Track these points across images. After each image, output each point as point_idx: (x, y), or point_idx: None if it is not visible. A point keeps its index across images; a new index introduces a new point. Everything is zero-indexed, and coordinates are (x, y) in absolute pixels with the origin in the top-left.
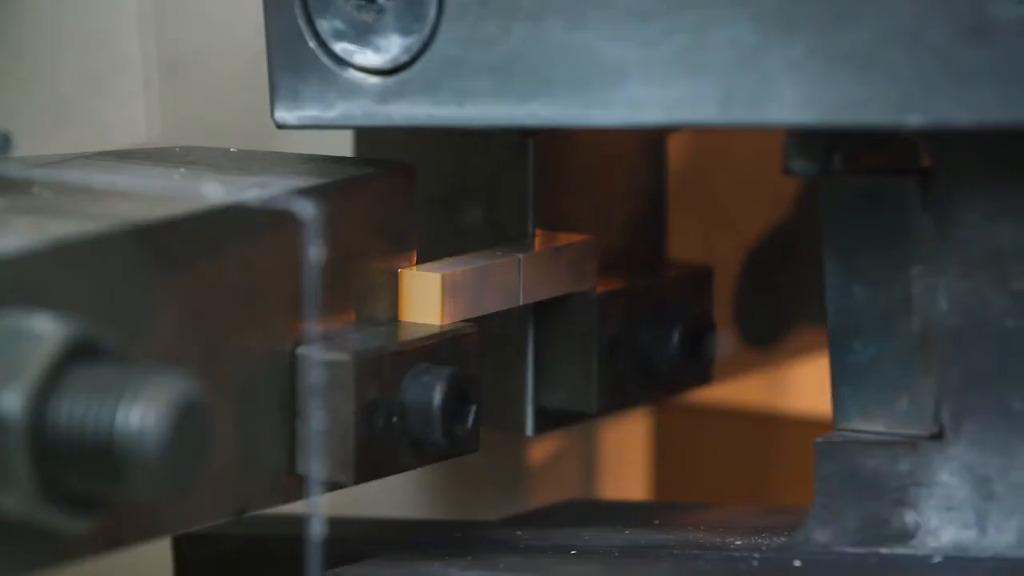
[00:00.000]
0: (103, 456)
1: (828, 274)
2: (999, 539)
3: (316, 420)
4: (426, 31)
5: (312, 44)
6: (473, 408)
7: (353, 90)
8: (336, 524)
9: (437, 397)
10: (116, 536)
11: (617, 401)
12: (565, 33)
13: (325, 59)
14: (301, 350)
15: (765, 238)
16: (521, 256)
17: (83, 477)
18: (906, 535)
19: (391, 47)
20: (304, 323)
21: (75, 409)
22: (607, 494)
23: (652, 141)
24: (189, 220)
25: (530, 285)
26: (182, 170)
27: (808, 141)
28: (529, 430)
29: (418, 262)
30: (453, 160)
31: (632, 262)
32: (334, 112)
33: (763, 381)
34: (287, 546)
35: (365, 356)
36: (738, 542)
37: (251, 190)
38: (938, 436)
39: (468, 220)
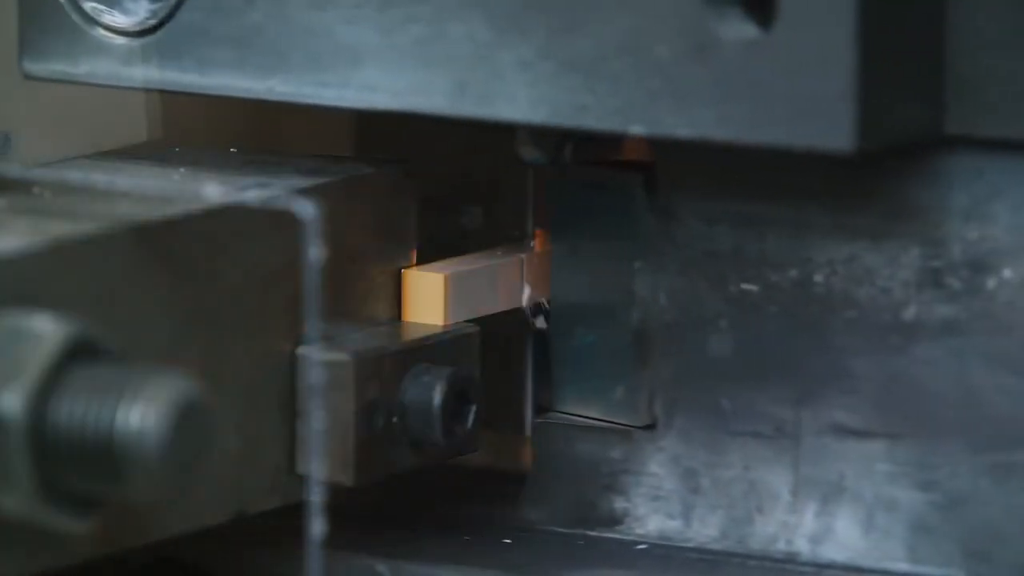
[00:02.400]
0: (103, 456)
1: (554, 260)
2: (702, 531)
3: (316, 420)
4: None
5: (62, 0)
6: (473, 408)
7: (100, 49)
8: None
9: (437, 397)
10: (116, 536)
11: None
12: (307, 12)
13: (74, 16)
14: (301, 350)
15: None
16: (524, 256)
17: (83, 477)
18: (614, 520)
19: (139, 10)
20: (304, 323)
21: (75, 409)
22: None
23: None
24: (189, 220)
25: (533, 285)
26: (182, 170)
27: (540, 132)
28: (529, 430)
29: (419, 262)
30: (453, 160)
31: None
32: (80, 69)
33: None
34: None
35: (365, 356)
36: (457, 512)
37: (251, 190)
38: (651, 427)
39: (468, 220)
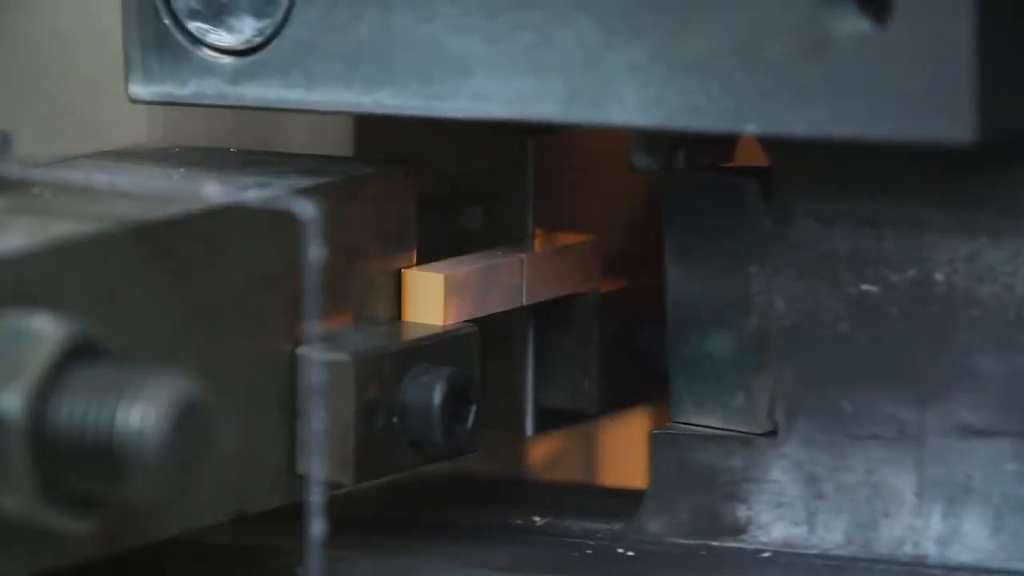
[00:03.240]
0: (103, 456)
1: (669, 267)
2: (827, 537)
3: (316, 420)
4: (279, 15)
5: (167, 22)
6: (473, 408)
7: (206, 69)
8: None
9: (437, 397)
10: (116, 536)
11: (617, 401)
12: (414, 24)
13: (179, 37)
14: (301, 350)
15: None
16: (524, 256)
17: (83, 477)
18: (737, 529)
19: (244, 28)
20: (304, 323)
21: (75, 409)
22: None
23: None
24: (189, 220)
25: (533, 285)
26: (182, 170)
27: (652, 138)
28: (529, 430)
29: (419, 262)
30: (453, 160)
31: (632, 262)
32: (187, 90)
33: None
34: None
35: (365, 356)
36: (576, 527)
37: (251, 190)
38: (772, 434)
39: (468, 220)
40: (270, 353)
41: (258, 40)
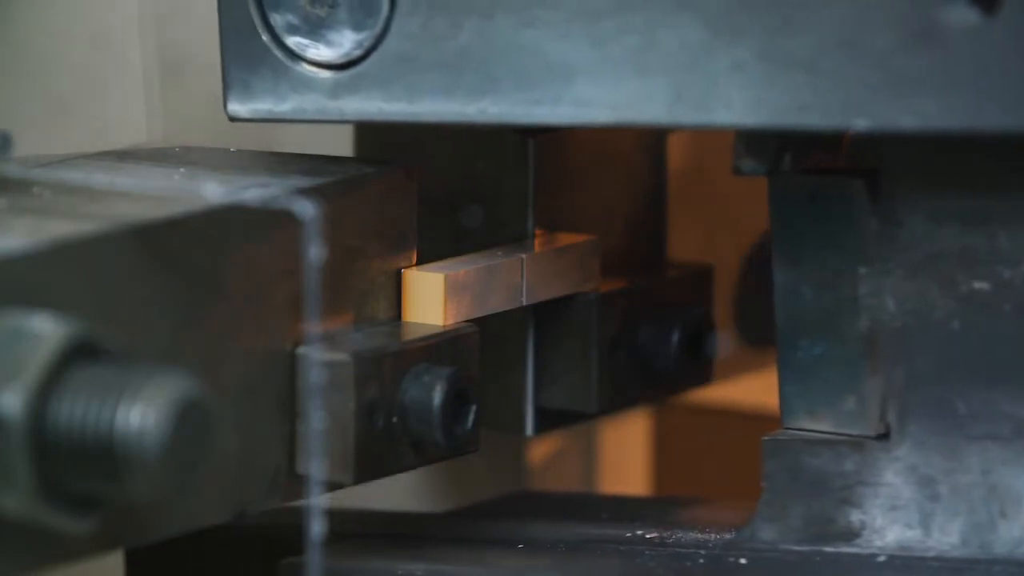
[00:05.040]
0: (103, 456)
1: (776, 273)
2: (943, 539)
3: (316, 420)
4: (378, 27)
5: (265, 38)
6: (473, 408)
7: (305, 84)
8: (284, 513)
9: (437, 397)
10: (116, 536)
11: (617, 401)
12: (515, 31)
13: (278, 53)
14: (301, 350)
15: (765, 238)
16: (524, 256)
17: (83, 477)
18: (851, 534)
19: (343, 42)
20: (304, 323)
21: (75, 409)
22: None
23: (652, 141)
24: (189, 220)
25: (533, 285)
26: (182, 170)
27: (757, 141)
28: (529, 430)
29: (419, 262)
30: (454, 160)
31: (632, 262)
32: (286, 105)
33: (763, 381)
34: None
35: (365, 356)
36: (686, 537)
37: (251, 190)
38: (884, 436)
39: (468, 220)
40: (270, 353)
41: (358, 53)
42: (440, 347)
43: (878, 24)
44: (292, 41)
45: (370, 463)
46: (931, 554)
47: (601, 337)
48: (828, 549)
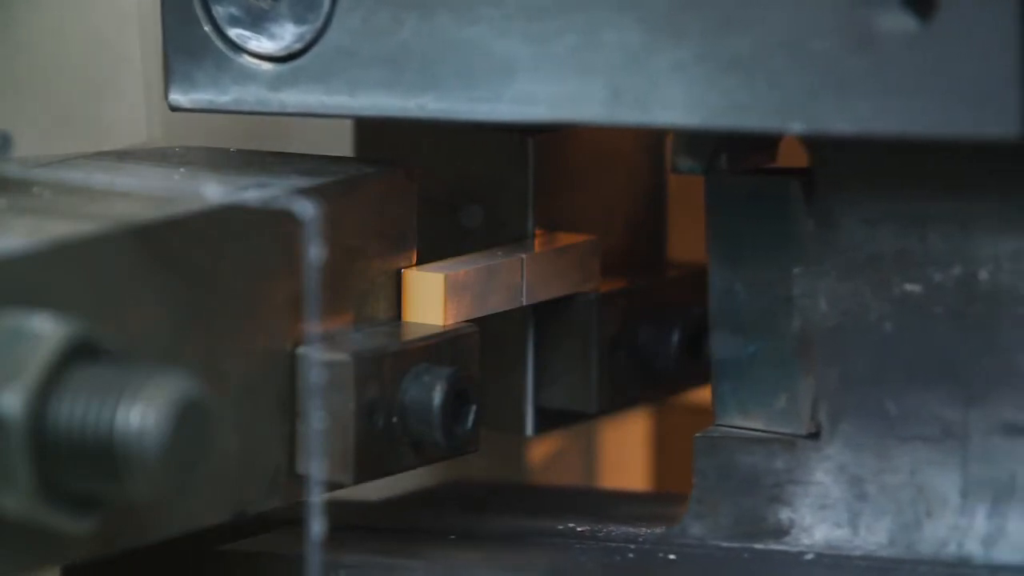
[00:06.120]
0: (103, 456)
1: (711, 272)
2: (870, 539)
3: (316, 420)
4: (320, 21)
5: (207, 29)
6: (473, 408)
7: (247, 76)
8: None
9: (437, 397)
10: (116, 536)
11: (617, 401)
12: (457, 27)
13: (220, 44)
14: (301, 350)
15: None
16: (525, 256)
17: (83, 477)
18: (780, 532)
19: (285, 35)
20: (304, 323)
21: (75, 409)
22: None
23: (652, 141)
24: (189, 220)
25: (533, 285)
26: (182, 170)
27: (695, 140)
28: (529, 430)
29: (419, 262)
30: (454, 160)
31: (632, 262)
32: (227, 97)
33: None
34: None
35: (365, 356)
36: (617, 531)
37: (251, 190)
38: (815, 435)
39: (468, 220)
40: (270, 353)
41: (299, 46)
42: (440, 347)
43: (816, 28)
44: (234, 33)
45: (370, 463)
46: (858, 553)
47: (601, 337)
48: (757, 546)
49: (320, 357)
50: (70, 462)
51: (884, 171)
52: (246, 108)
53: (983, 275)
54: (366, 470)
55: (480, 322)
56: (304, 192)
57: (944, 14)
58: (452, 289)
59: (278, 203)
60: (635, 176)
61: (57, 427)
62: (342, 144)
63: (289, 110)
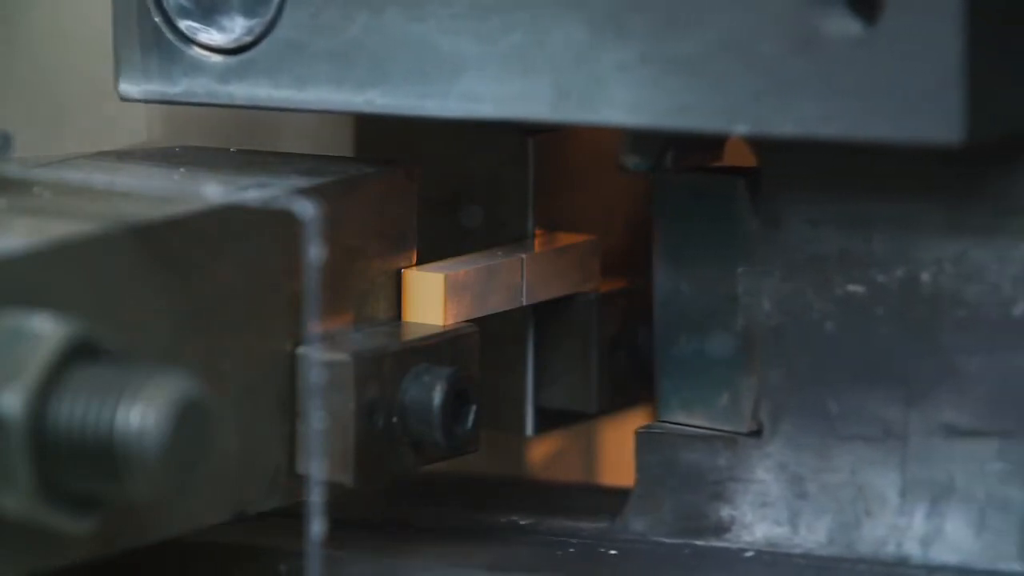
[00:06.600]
0: (103, 456)
1: (656, 269)
2: (810, 537)
3: (316, 420)
4: (270, 14)
5: (157, 19)
6: (473, 408)
7: (196, 67)
8: None
9: (437, 397)
10: (116, 536)
11: (617, 401)
12: (405, 24)
13: (170, 35)
14: (301, 350)
15: None
16: (525, 256)
17: (83, 477)
18: (721, 528)
19: (235, 27)
20: (304, 323)
21: (75, 409)
22: None
23: None
24: (189, 220)
25: (533, 285)
26: (182, 170)
27: (642, 139)
28: (529, 430)
29: (419, 262)
30: (453, 160)
31: (632, 262)
32: (177, 88)
33: None
34: None
35: (365, 356)
36: (559, 525)
37: (251, 190)
38: (756, 433)
39: (468, 220)
40: (270, 353)
41: (248, 39)
42: (440, 347)
43: (762, 30)
44: (184, 24)
45: (370, 463)
46: (798, 551)
47: (601, 337)
48: (698, 543)
49: (320, 357)
50: (70, 462)
51: (829, 172)
52: (195, 100)
53: (925, 277)
54: (366, 470)
55: (480, 322)
56: (304, 192)
57: (889, 18)
58: (452, 289)
59: (278, 203)
60: (635, 176)
61: (57, 427)
62: (342, 144)
63: (238, 102)
